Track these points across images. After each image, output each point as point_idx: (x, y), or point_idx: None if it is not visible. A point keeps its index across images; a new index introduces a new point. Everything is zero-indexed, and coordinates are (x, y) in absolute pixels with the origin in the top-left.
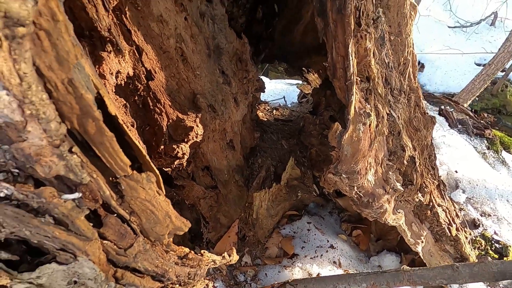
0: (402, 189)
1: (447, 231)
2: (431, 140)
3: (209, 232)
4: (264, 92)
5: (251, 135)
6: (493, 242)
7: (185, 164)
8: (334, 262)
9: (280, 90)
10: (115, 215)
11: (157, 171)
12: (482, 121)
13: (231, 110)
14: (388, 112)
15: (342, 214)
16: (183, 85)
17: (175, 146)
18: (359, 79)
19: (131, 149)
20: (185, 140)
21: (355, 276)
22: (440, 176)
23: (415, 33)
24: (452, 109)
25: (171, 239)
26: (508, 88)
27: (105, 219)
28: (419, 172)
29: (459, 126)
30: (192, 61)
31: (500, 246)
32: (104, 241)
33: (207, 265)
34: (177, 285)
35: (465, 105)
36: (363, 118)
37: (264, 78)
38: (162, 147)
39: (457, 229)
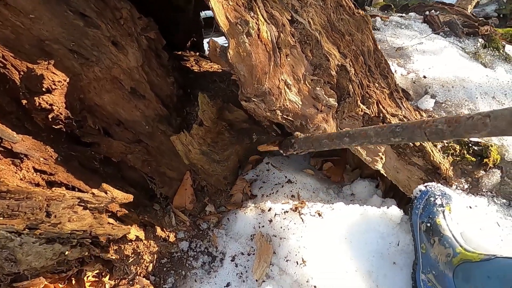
0: (336, 104)
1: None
2: (375, 45)
3: (161, 187)
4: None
5: (166, 82)
6: (470, 145)
7: (62, 114)
8: (293, 196)
9: None
10: None
11: None
12: (481, 19)
13: (114, 55)
14: (289, 18)
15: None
16: (22, 33)
17: (36, 98)
18: None
19: None
20: (44, 90)
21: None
22: (397, 83)
23: None
24: (438, 12)
25: None
26: None
27: None
28: (356, 82)
29: (446, 29)
30: (17, 5)
31: (480, 147)
32: None
33: (61, 200)
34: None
35: (469, 9)
36: (242, 28)
37: None
38: (24, 101)
39: None
